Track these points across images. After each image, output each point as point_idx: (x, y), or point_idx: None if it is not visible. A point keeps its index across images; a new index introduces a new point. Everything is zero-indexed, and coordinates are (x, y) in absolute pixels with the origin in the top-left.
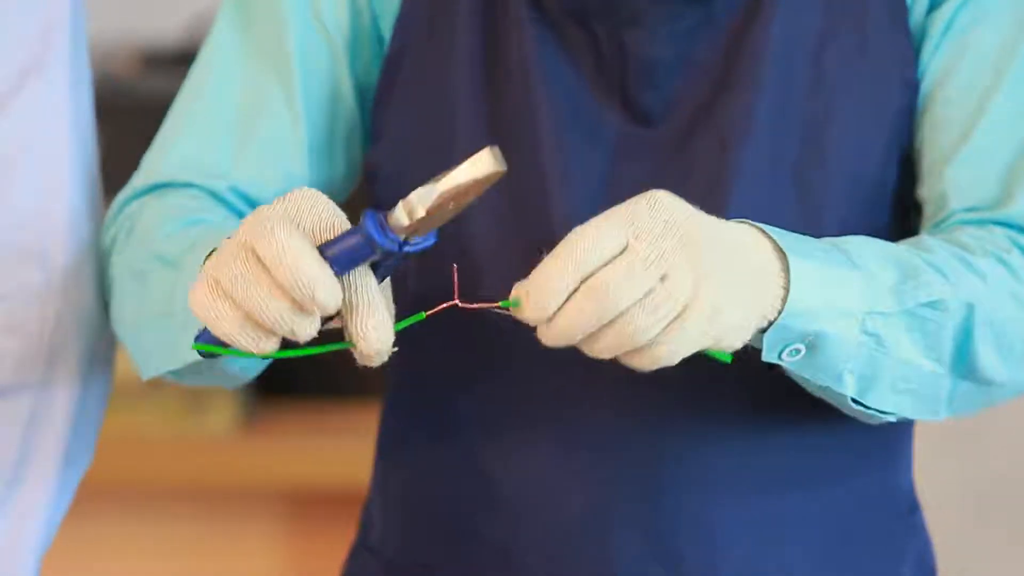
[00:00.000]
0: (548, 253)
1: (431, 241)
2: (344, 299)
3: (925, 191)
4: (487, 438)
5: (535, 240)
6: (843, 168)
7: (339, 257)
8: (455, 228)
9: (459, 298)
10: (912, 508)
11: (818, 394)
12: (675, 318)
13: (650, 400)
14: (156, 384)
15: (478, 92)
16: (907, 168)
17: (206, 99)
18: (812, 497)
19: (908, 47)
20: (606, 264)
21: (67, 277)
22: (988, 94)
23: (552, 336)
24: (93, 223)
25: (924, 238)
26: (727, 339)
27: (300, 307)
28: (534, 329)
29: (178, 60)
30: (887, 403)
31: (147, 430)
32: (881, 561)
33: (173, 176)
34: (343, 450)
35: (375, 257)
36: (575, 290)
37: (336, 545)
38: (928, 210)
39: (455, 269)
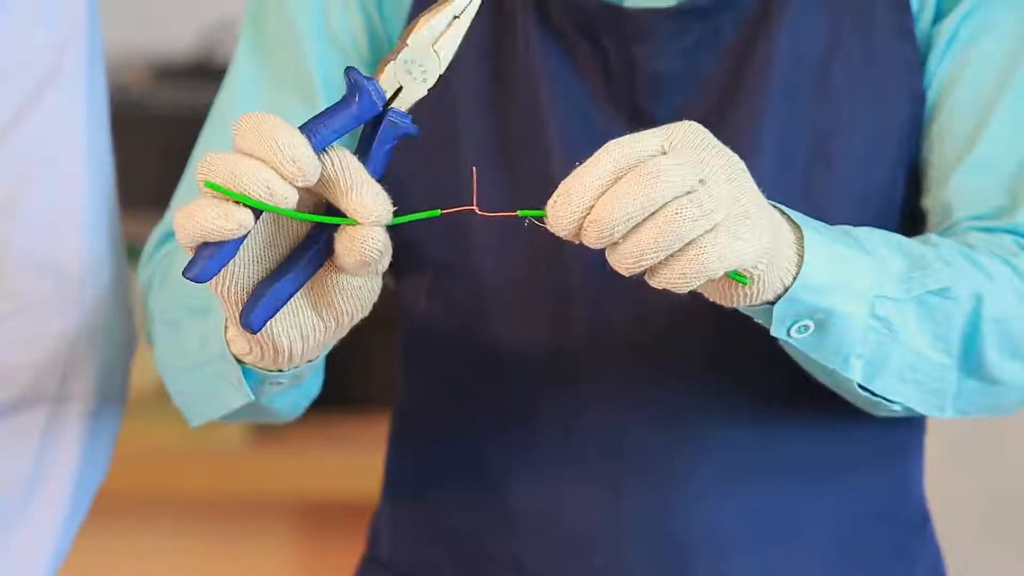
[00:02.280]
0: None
1: (412, 128)
2: (331, 177)
3: (930, 201)
4: (497, 453)
5: (546, 254)
6: (851, 178)
7: (319, 126)
8: (465, 241)
9: (477, 212)
10: (924, 520)
11: (825, 380)
12: (716, 225)
13: (658, 413)
14: (167, 395)
15: (485, 105)
16: (914, 177)
17: (230, 128)
18: (824, 505)
19: (914, 56)
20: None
21: (83, 291)
22: (992, 105)
23: (597, 223)
24: (109, 236)
25: (931, 236)
26: (759, 263)
27: (277, 172)
28: (542, 330)
29: (189, 72)
30: (894, 392)
31: (159, 441)
32: (894, 573)
33: None
34: (354, 462)
35: (355, 112)
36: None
37: (347, 556)
38: (933, 220)
39: (474, 172)
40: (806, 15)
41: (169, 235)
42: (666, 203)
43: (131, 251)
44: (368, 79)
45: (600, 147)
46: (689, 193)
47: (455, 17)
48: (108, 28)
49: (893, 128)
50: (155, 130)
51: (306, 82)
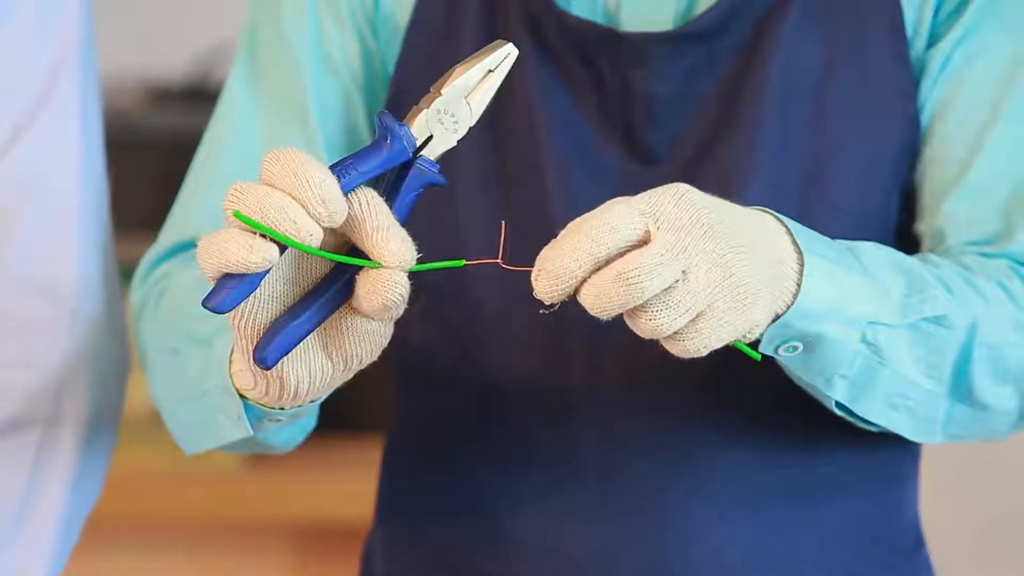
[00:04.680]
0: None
1: (439, 177)
2: (358, 219)
3: (923, 226)
4: (491, 479)
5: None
6: (846, 202)
7: (348, 168)
8: (461, 269)
9: (500, 266)
10: (918, 544)
11: (808, 389)
12: (698, 315)
13: (654, 441)
14: (161, 418)
15: (480, 128)
16: (909, 201)
17: (227, 151)
18: (819, 530)
19: (909, 81)
20: (629, 249)
21: (76, 312)
22: (985, 130)
23: (587, 307)
24: (103, 258)
25: (931, 255)
26: (751, 333)
27: (305, 209)
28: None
29: (184, 96)
30: (880, 416)
31: (153, 464)
32: None
33: (200, 233)
34: (348, 485)
35: (384, 157)
36: (597, 270)
37: None
38: (926, 245)
39: (504, 226)
40: (801, 40)
41: (163, 257)
42: (642, 305)
43: (126, 274)
44: (400, 125)
45: (595, 170)
46: (668, 290)
47: (489, 71)
48: (104, 52)
49: (888, 152)
50: (150, 154)
51: (302, 106)
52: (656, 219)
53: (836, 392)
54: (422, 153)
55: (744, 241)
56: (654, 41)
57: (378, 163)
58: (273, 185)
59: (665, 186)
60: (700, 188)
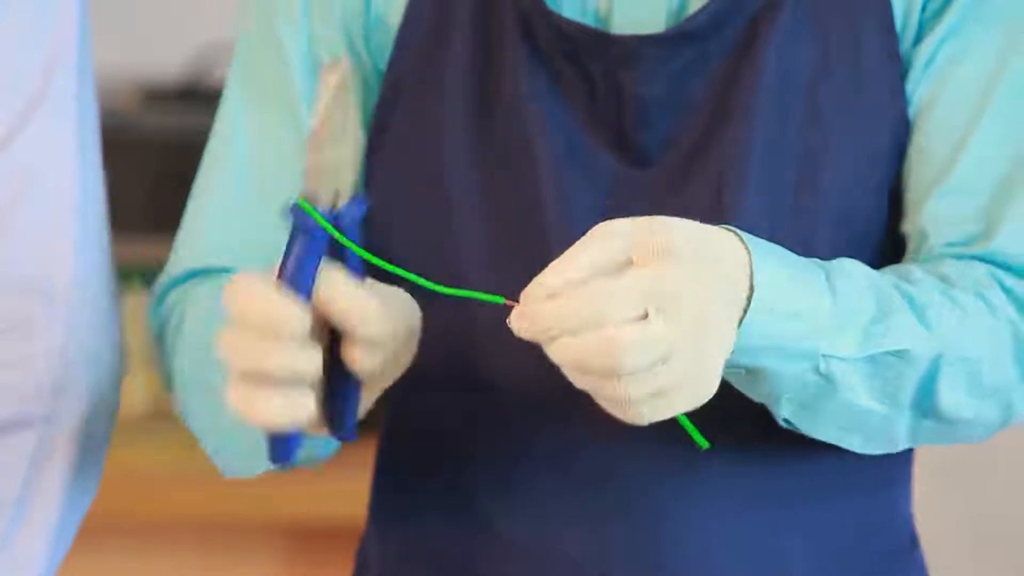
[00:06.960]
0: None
1: (361, 207)
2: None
3: (908, 225)
4: (486, 481)
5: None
6: (837, 204)
7: (292, 270)
8: (455, 269)
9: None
10: (913, 543)
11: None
12: (659, 394)
13: (650, 442)
14: (157, 418)
15: (471, 130)
16: (897, 202)
17: (227, 173)
18: (811, 532)
19: (899, 79)
20: (622, 319)
21: (72, 312)
22: (968, 129)
23: (556, 361)
24: (99, 258)
25: (912, 268)
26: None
27: (276, 336)
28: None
29: (179, 96)
30: (828, 436)
31: (148, 465)
32: None
33: (207, 262)
34: (343, 486)
35: (318, 244)
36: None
37: None
38: (911, 245)
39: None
40: (793, 41)
41: (174, 284)
42: (618, 376)
43: (123, 274)
44: (307, 216)
45: (587, 171)
46: (644, 369)
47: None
48: (98, 51)
49: (881, 152)
50: (146, 153)
51: (293, 112)
52: (657, 303)
53: (782, 410)
54: (338, 206)
55: (710, 304)
56: (645, 43)
57: (316, 250)
58: (247, 326)
59: (676, 261)
60: (692, 191)
